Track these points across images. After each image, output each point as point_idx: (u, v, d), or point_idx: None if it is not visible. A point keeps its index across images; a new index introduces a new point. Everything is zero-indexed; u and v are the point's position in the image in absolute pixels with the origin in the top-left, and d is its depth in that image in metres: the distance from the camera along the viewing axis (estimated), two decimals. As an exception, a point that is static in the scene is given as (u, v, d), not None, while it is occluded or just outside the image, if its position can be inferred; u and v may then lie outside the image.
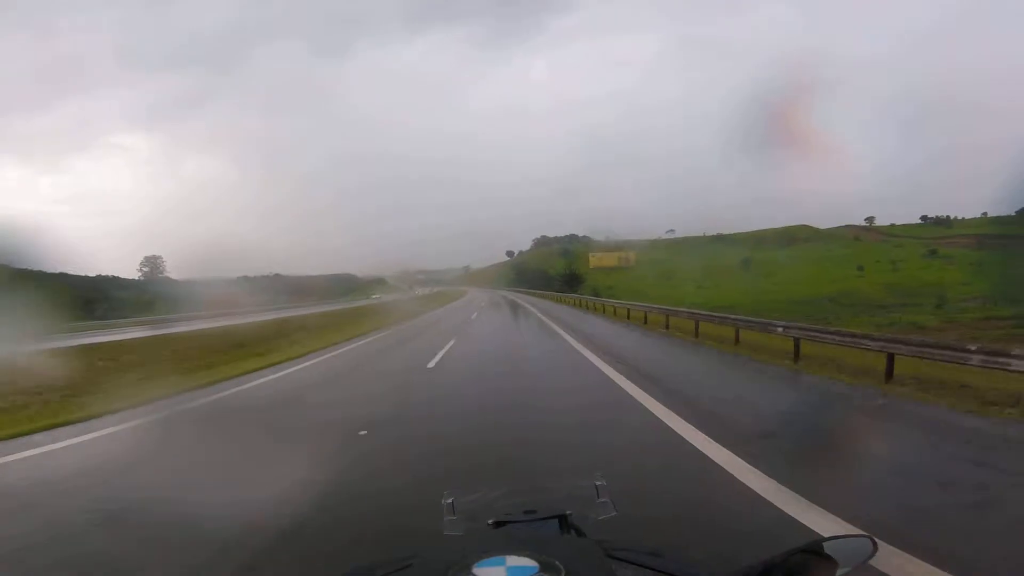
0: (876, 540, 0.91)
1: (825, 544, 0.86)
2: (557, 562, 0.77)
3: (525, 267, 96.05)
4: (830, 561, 0.83)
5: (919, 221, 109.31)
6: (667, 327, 13.30)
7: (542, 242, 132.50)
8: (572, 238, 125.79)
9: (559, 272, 64.99)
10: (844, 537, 0.93)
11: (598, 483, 1.26)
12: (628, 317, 17.73)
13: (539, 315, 22.48)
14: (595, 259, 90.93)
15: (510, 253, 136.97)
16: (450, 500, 1.22)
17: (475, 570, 0.76)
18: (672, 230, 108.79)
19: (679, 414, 4.93)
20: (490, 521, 1.16)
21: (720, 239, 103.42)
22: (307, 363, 10.72)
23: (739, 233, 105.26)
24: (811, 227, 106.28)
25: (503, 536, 1.10)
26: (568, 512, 1.16)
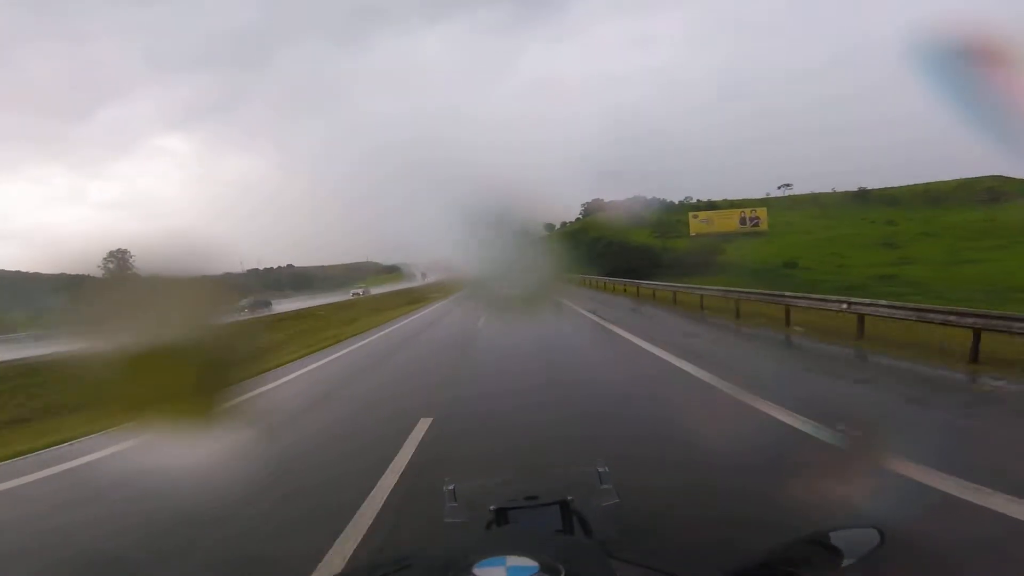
0: (883, 531, 0.84)
1: (830, 535, 0.84)
2: (557, 563, 0.75)
3: (583, 238, 54.48)
4: (834, 552, 0.80)
5: None
6: None
7: (595, 207, 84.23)
8: (637, 200, 77.35)
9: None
10: (850, 528, 0.88)
11: (600, 469, 1.24)
12: None
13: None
14: (698, 222, 60.37)
15: (549, 226, 65.14)
16: (451, 487, 1.23)
17: (475, 570, 0.74)
18: (788, 184, 74.61)
19: None
20: (492, 507, 1.14)
21: (863, 196, 69.35)
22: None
23: (893, 188, 69.41)
24: (1010, 178, 64.62)
25: (503, 535, 1.07)
26: (570, 498, 1.13)
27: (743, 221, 59.12)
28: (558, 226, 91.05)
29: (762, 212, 60.63)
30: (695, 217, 60.89)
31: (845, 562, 0.78)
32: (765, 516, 2.55)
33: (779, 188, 74.33)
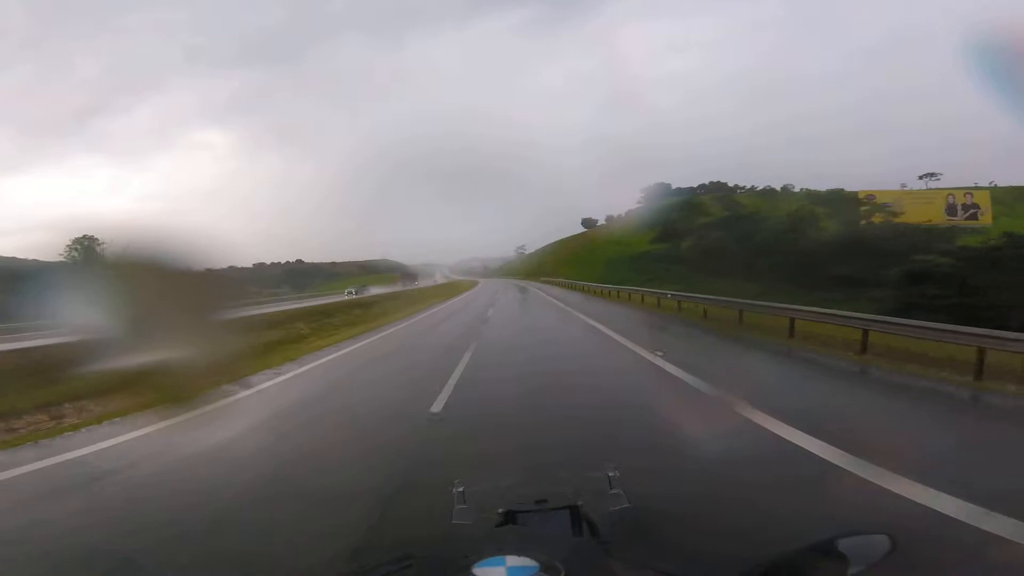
0: (895, 538, 0.80)
1: (839, 542, 0.81)
2: (557, 563, 0.74)
3: (681, 224, 47.95)
4: (842, 559, 0.78)
5: None
6: None
7: (660, 191, 68.79)
8: (718, 186, 70.50)
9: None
10: (859, 534, 0.86)
11: (611, 474, 1.23)
12: None
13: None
14: (875, 204, 46.30)
15: (588, 222, 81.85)
16: (460, 489, 1.20)
17: (475, 570, 0.74)
18: (933, 174, 54.99)
19: None
20: (500, 511, 1.11)
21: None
22: None
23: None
24: None
25: (504, 535, 1.05)
26: (579, 503, 1.12)
27: (951, 210, 44.73)
28: (603, 220, 74.11)
29: (982, 198, 46.11)
30: (871, 199, 46.26)
31: (853, 569, 0.76)
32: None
33: (920, 179, 57.03)
